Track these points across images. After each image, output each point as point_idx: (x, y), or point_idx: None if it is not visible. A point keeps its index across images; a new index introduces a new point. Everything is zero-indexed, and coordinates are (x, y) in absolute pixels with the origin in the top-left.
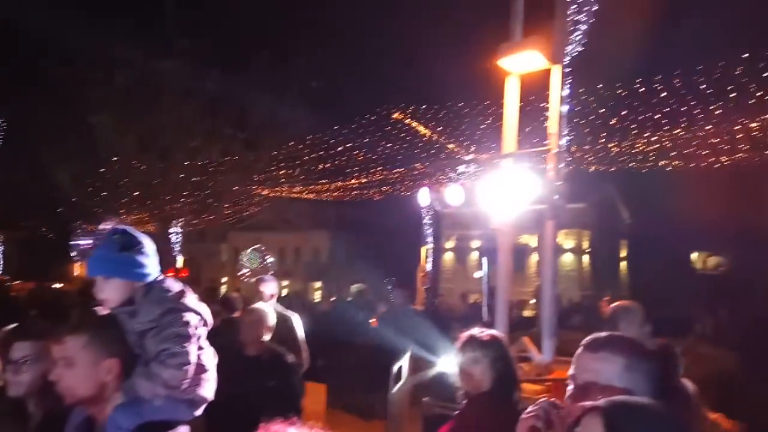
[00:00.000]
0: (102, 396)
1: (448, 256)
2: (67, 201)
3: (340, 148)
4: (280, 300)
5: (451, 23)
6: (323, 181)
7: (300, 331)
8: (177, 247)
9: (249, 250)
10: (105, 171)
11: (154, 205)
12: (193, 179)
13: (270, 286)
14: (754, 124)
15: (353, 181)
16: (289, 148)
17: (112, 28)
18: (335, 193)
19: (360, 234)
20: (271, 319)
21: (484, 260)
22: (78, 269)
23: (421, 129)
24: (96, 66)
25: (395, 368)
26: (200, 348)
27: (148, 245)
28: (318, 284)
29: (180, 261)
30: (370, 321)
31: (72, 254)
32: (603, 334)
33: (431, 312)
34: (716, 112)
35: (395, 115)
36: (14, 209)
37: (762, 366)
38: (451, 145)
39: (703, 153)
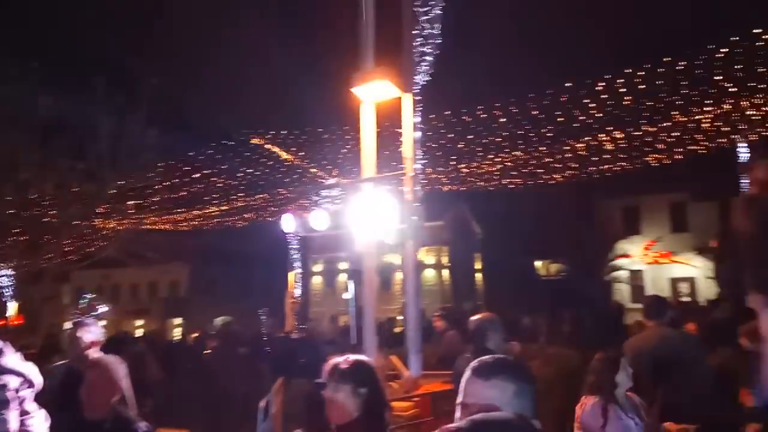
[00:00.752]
0: None
1: (317, 280)
2: None
3: (197, 175)
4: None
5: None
6: (179, 210)
7: (125, 381)
8: (8, 292)
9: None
10: None
11: None
12: (24, 214)
13: (91, 332)
14: (579, 145)
15: (213, 209)
16: (139, 177)
17: None
18: (194, 223)
19: (223, 264)
20: (121, 373)
21: (351, 282)
22: None
23: (283, 154)
24: None
25: (263, 402)
26: (25, 413)
27: None
28: (178, 320)
29: (13, 308)
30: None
31: None
32: (490, 359)
33: (302, 338)
34: (548, 135)
35: (254, 140)
36: None
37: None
38: (313, 170)
39: (539, 171)
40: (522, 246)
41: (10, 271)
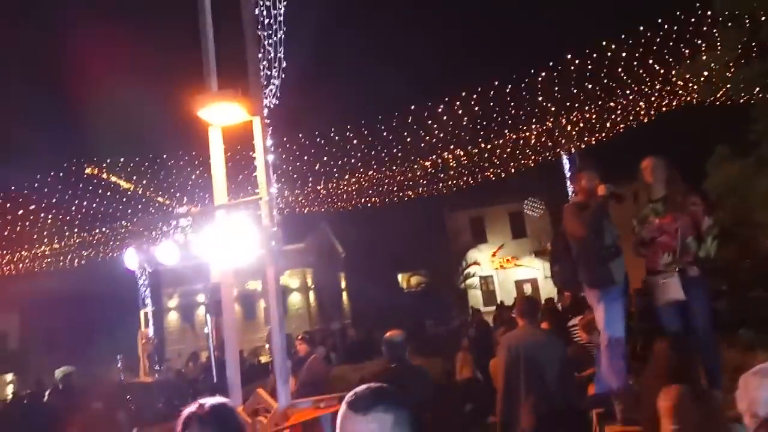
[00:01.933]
0: None
1: (173, 316)
2: None
3: (20, 212)
4: None
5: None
6: (2, 252)
7: None
8: None
9: None
10: None
11: None
12: None
13: None
14: (427, 163)
15: (43, 248)
16: None
17: None
18: (21, 265)
19: (60, 309)
20: None
21: (209, 314)
22: None
23: (123, 183)
24: None
25: None
26: None
27: None
28: (9, 377)
29: None
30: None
31: None
32: (364, 389)
33: (159, 381)
34: (398, 154)
35: (88, 170)
36: None
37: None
38: (160, 199)
39: (393, 189)
40: (383, 262)
41: None
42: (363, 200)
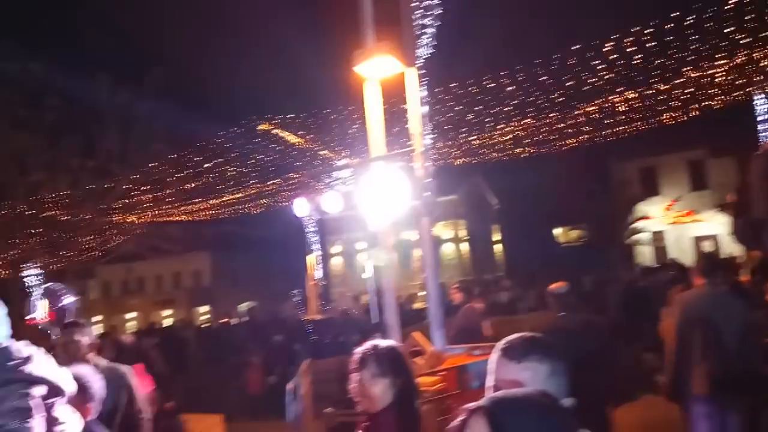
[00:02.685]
0: None
1: (337, 261)
2: None
3: (208, 165)
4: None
5: (314, 31)
6: (195, 200)
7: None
8: (37, 291)
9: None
10: None
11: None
12: (42, 215)
13: (87, 333)
14: (591, 108)
15: (227, 197)
16: (150, 171)
17: None
18: (210, 212)
19: (242, 251)
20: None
21: (369, 261)
22: None
23: (291, 138)
24: None
25: (291, 385)
26: (55, 421)
27: None
28: (204, 308)
29: (43, 306)
30: None
31: None
32: (518, 337)
33: (326, 319)
34: (558, 100)
35: (261, 126)
36: None
37: (630, 329)
38: (323, 152)
39: (552, 138)
40: (540, 215)
41: (37, 270)
42: (518, 150)
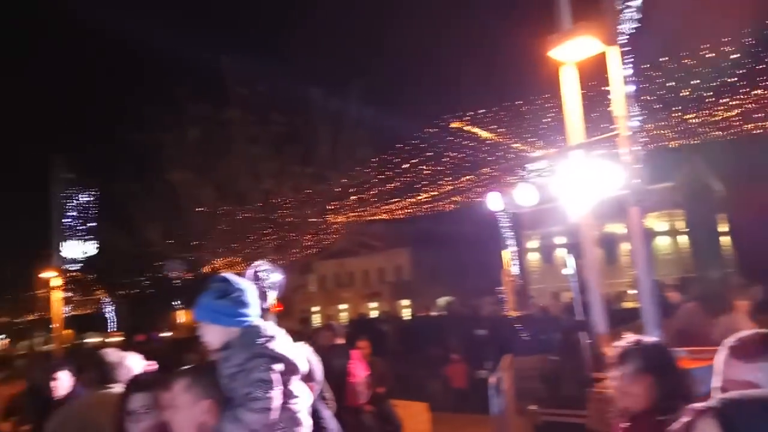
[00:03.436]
0: None
1: (533, 257)
2: (161, 255)
3: (405, 166)
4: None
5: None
6: (394, 200)
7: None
8: (268, 284)
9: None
10: (190, 222)
11: (239, 247)
12: (272, 217)
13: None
14: None
15: (423, 195)
16: (357, 174)
17: (178, 88)
18: (408, 210)
19: (440, 247)
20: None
21: (570, 256)
22: (182, 317)
23: (483, 133)
24: (167, 127)
25: (493, 379)
26: (290, 395)
27: (246, 291)
28: (406, 302)
29: (272, 297)
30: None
31: (174, 304)
32: (750, 334)
33: (524, 316)
34: None
35: (454, 124)
36: (119, 271)
37: None
38: (516, 145)
39: None
40: None
41: (268, 266)
42: (748, 126)
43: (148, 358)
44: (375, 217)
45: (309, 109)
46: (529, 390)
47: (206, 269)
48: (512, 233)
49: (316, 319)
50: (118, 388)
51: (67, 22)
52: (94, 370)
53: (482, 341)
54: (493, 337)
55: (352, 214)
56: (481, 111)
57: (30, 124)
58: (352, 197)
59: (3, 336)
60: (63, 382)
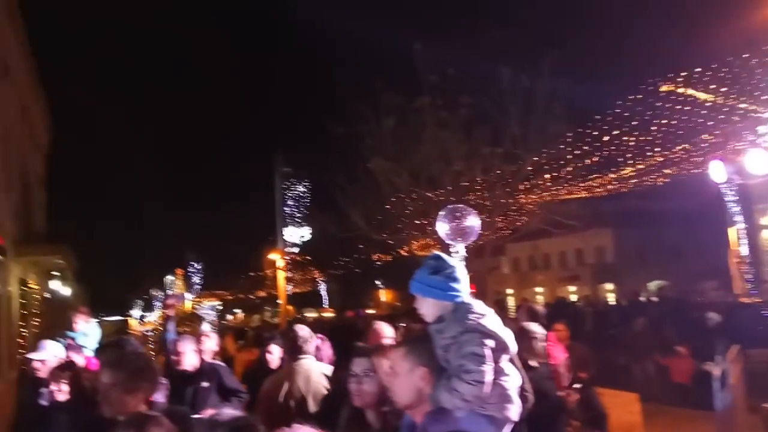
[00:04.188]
0: (419, 401)
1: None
2: (364, 238)
3: (606, 138)
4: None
5: None
6: (593, 176)
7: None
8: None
9: None
10: (389, 207)
11: (434, 230)
12: (463, 199)
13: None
14: None
15: (628, 170)
16: (550, 151)
17: (374, 80)
18: (610, 187)
19: (647, 226)
20: None
21: None
22: (383, 296)
23: (701, 95)
24: (366, 119)
25: (717, 371)
26: (501, 372)
27: (458, 269)
28: (609, 286)
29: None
30: None
31: (377, 283)
32: None
33: (759, 304)
34: None
35: (664, 88)
36: (330, 252)
37: None
38: (743, 105)
39: None
40: None
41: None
42: None
43: (354, 332)
44: (571, 196)
45: (498, 88)
46: (763, 386)
47: (404, 251)
48: (740, 207)
49: (511, 302)
50: (308, 359)
51: (293, 27)
52: (289, 343)
53: (711, 331)
54: (725, 326)
55: (546, 193)
56: (698, 70)
57: (256, 128)
58: (546, 175)
59: (239, 310)
60: (275, 354)
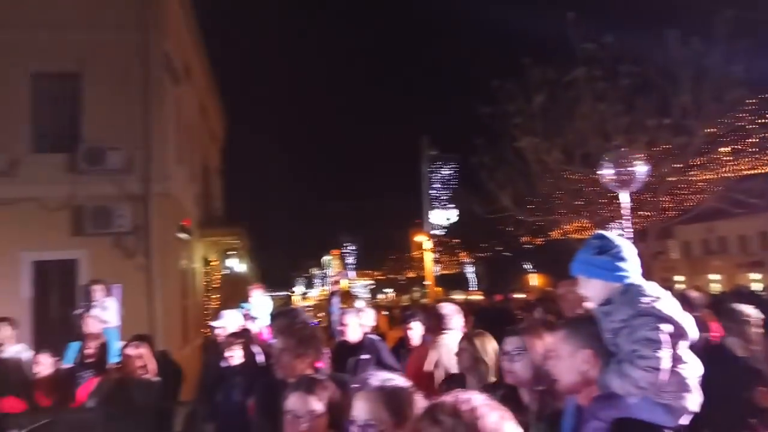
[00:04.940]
0: (583, 385)
1: None
2: (513, 220)
3: None
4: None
5: None
6: None
7: None
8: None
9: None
10: (539, 187)
11: (589, 211)
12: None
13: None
14: None
15: None
16: (728, 121)
17: (520, 56)
18: None
19: None
20: None
21: None
22: (534, 280)
23: None
24: (513, 96)
25: None
26: (679, 359)
27: (626, 249)
28: None
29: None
30: None
31: (526, 267)
32: None
33: None
34: None
35: None
36: (477, 235)
37: None
38: None
39: None
40: None
41: (621, 231)
42: None
43: (503, 316)
44: (754, 171)
45: (664, 53)
46: None
47: (556, 234)
48: None
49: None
50: (453, 334)
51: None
52: (432, 319)
53: None
54: None
55: (724, 168)
56: None
57: (403, 113)
58: (722, 149)
59: (390, 290)
60: (415, 331)
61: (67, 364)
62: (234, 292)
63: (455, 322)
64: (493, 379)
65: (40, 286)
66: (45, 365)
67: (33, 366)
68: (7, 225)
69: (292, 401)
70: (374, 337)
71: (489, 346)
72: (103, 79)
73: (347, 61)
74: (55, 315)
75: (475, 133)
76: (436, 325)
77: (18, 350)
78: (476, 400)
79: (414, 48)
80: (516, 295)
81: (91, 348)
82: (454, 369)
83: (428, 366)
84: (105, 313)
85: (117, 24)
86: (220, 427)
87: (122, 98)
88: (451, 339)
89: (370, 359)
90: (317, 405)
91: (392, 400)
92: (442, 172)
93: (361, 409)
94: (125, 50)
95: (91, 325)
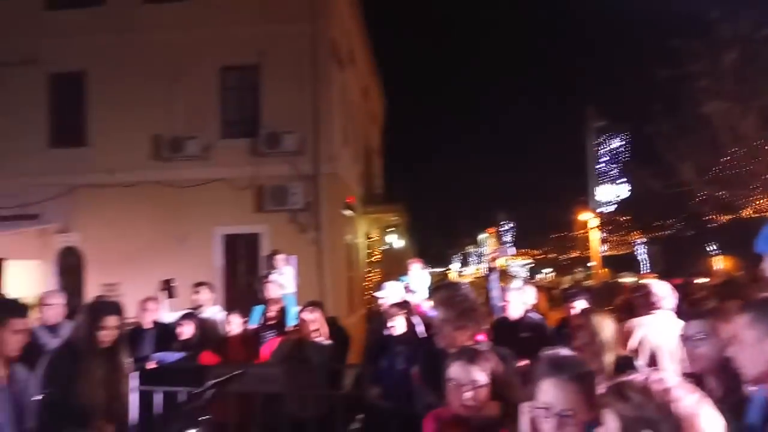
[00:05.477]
0: None
1: None
2: (695, 196)
3: None
4: None
5: None
6: None
7: None
8: None
9: None
10: (729, 158)
11: None
12: None
13: None
14: None
15: None
16: None
17: (708, 12)
18: None
19: None
20: None
21: None
22: (718, 263)
23: None
24: (697, 56)
25: None
26: None
27: None
28: None
29: None
30: None
31: (710, 249)
32: None
33: None
34: None
35: None
36: (651, 213)
37: None
38: None
39: None
40: None
41: None
42: None
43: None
44: None
45: None
46: None
47: (748, 211)
48: None
49: None
50: (663, 314)
51: None
52: (642, 298)
53: None
54: None
55: None
56: None
57: (566, 81)
58: None
59: (551, 270)
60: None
61: (252, 324)
62: (393, 267)
63: (666, 302)
64: (610, 357)
65: (229, 256)
66: (235, 325)
67: (225, 325)
68: (203, 203)
69: (455, 370)
70: (536, 316)
71: (606, 324)
72: (278, 68)
73: (508, 34)
74: (242, 281)
75: (651, 100)
76: (645, 304)
77: (214, 311)
78: (670, 380)
79: (579, 10)
80: (698, 280)
81: (273, 311)
82: (659, 350)
83: (632, 344)
84: (284, 280)
85: (290, 16)
86: (385, 392)
87: (294, 85)
88: (660, 319)
89: (530, 338)
90: (480, 375)
91: (587, 386)
92: (611, 145)
93: (554, 396)
94: (297, 40)
95: (272, 291)
